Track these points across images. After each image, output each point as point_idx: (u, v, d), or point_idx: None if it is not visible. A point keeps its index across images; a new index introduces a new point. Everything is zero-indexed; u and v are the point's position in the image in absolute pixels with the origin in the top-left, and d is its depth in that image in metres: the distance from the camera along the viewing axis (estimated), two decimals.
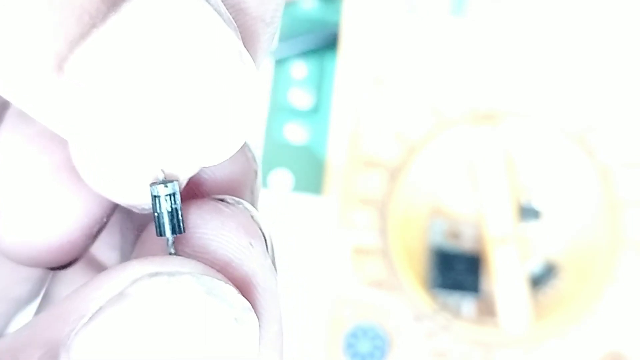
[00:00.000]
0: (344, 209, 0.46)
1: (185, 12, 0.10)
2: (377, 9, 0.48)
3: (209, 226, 0.12)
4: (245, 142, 0.13)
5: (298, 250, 0.47)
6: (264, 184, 0.47)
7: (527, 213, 0.48)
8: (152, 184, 0.12)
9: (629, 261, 0.46)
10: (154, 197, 0.12)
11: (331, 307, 0.45)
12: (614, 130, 0.47)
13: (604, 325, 0.45)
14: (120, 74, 0.10)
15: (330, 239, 0.46)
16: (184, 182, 0.12)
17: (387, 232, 0.46)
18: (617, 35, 0.48)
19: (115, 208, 0.14)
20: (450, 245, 0.48)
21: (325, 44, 0.49)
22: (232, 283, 0.11)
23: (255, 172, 0.15)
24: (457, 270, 0.47)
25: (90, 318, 0.10)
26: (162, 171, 0.11)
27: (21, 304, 0.17)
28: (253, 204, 0.14)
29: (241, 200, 0.13)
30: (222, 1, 0.11)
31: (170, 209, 0.12)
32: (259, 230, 0.13)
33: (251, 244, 0.12)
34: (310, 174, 0.48)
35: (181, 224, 0.12)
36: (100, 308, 0.10)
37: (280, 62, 0.49)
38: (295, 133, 0.49)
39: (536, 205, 0.48)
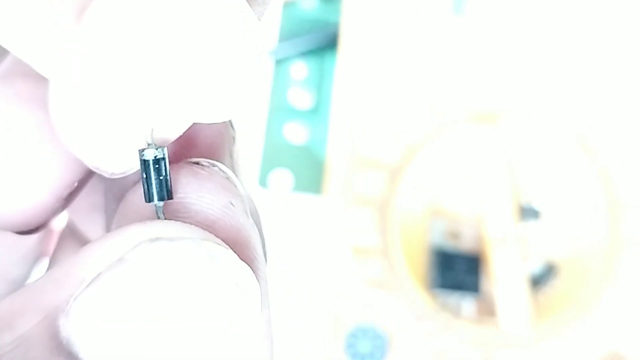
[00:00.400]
0: (344, 209, 0.46)
1: None
2: (377, 9, 0.48)
3: (188, 189, 0.12)
4: None
5: (298, 250, 0.47)
6: (264, 184, 0.47)
7: (527, 213, 0.48)
8: (142, 149, 0.11)
9: (629, 261, 0.46)
10: (144, 162, 0.11)
11: (331, 307, 0.45)
12: (614, 130, 0.47)
13: (604, 325, 0.45)
14: (135, 23, 0.10)
15: (330, 239, 0.46)
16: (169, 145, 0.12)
17: (387, 232, 0.46)
18: (617, 35, 0.48)
19: (88, 174, 0.13)
20: (450, 245, 0.48)
21: (325, 44, 0.49)
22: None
23: (234, 138, 0.14)
24: (457, 270, 0.47)
25: (89, 283, 0.10)
26: (152, 136, 0.11)
27: (18, 285, 0.17)
28: (233, 169, 0.13)
29: (215, 163, 0.13)
30: None
31: (159, 175, 0.11)
32: (237, 190, 0.13)
33: (232, 203, 0.12)
34: (310, 174, 0.48)
35: (170, 190, 0.12)
36: (100, 273, 0.10)
37: (280, 62, 0.49)
38: (295, 133, 0.48)
39: (536, 205, 0.48)
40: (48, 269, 0.16)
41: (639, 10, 0.48)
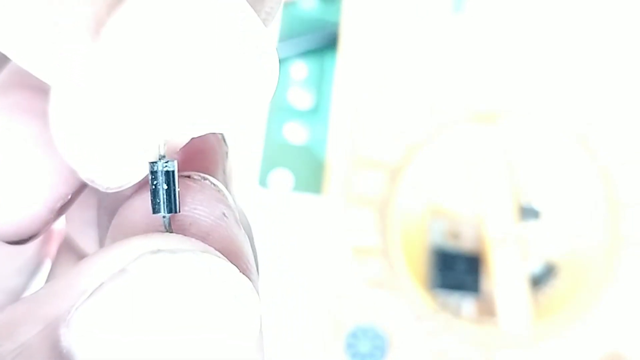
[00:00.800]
0: (344, 209, 0.46)
1: None
2: (377, 9, 0.48)
3: (182, 201, 0.12)
4: None
5: (298, 250, 0.47)
6: (264, 184, 0.47)
7: (527, 213, 0.48)
8: (153, 161, 0.12)
9: (629, 261, 0.46)
10: (153, 173, 0.12)
11: (331, 307, 0.45)
12: (614, 130, 0.47)
13: (604, 325, 0.45)
14: (152, 38, 0.10)
15: (330, 239, 0.46)
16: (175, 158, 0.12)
17: (387, 232, 0.46)
18: (617, 35, 0.48)
19: (81, 187, 0.13)
20: (450, 245, 0.48)
21: (325, 44, 0.49)
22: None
23: (226, 154, 0.15)
24: (457, 270, 0.47)
25: (91, 294, 0.10)
26: (163, 148, 0.12)
27: (16, 296, 0.17)
28: (225, 184, 0.14)
29: (206, 176, 0.13)
30: None
31: (168, 187, 0.12)
32: (229, 203, 0.13)
33: (224, 214, 0.12)
34: (310, 174, 0.48)
35: (177, 203, 0.12)
36: (102, 284, 0.10)
37: (280, 62, 0.49)
38: (295, 133, 0.48)
39: (536, 205, 0.48)
40: (47, 281, 0.16)
41: (639, 10, 0.48)
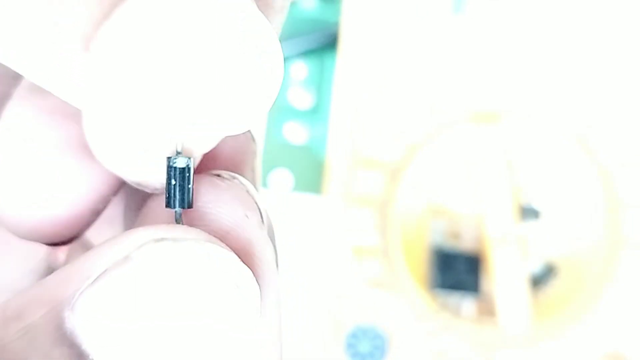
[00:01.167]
0: (344, 209, 0.46)
1: None
2: (377, 9, 0.48)
3: (206, 199, 0.12)
4: None
5: (298, 250, 0.47)
6: (264, 184, 0.47)
7: (527, 213, 0.48)
8: (169, 157, 0.12)
9: (629, 261, 0.46)
10: (169, 168, 0.12)
11: (331, 307, 0.45)
12: (614, 130, 0.47)
13: (604, 325, 0.45)
14: (141, 49, 0.10)
15: (330, 239, 0.46)
16: (199, 157, 0.13)
17: (387, 232, 0.46)
18: (617, 35, 0.48)
19: (120, 186, 0.14)
20: (450, 245, 0.48)
21: (325, 44, 0.49)
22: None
23: (255, 152, 0.15)
24: (457, 270, 0.47)
25: (95, 279, 0.11)
26: (180, 145, 0.12)
27: None
28: (253, 183, 0.14)
29: (236, 175, 0.13)
30: None
31: (182, 183, 0.12)
32: (255, 204, 0.13)
33: (247, 216, 0.13)
34: (310, 173, 0.48)
35: (191, 199, 0.12)
36: (106, 270, 0.11)
37: None
38: (295, 133, 0.48)
39: (536, 205, 0.48)
40: None
41: (639, 10, 0.48)
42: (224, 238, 0.12)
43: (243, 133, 0.14)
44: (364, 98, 0.47)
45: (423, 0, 0.48)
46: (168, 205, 0.12)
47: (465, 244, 0.48)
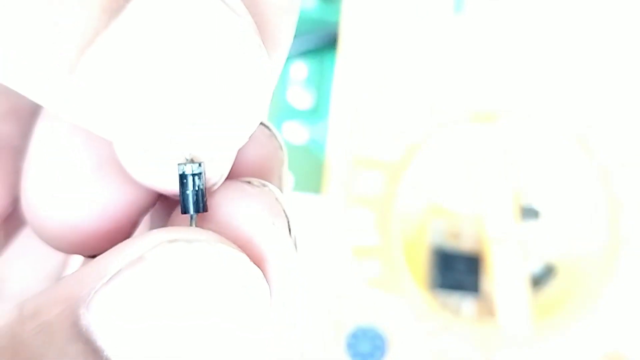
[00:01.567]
0: (344, 209, 0.46)
1: (182, 5, 0.10)
2: (377, 9, 0.48)
3: (233, 204, 0.13)
4: (273, 132, 0.15)
5: (298, 250, 0.47)
6: None
7: (527, 213, 0.48)
8: (179, 164, 0.12)
9: (629, 261, 0.46)
10: (181, 176, 0.12)
11: (331, 307, 0.45)
12: (614, 130, 0.47)
13: (604, 325, 0.45)
14: (125, 73, 0.11)
15: (330, 239, 0.46)
16: (223, 165, 0.13)
17: (387, 232, 0.46)
18: (617, 35, 0.48)
19: (157, 198, 0.14)
20: (450, 245, 0.48)
21: (325, 44, 0.49)
22: (253, 258, 0.12)
23: (282, 160, 0.15)
24: (457, 270, 0.47)
25: (110, 278, 0.11)
26: (189, 152, 0.12)
27: None
28: (280, 190, 0.14)
29: (266, 183, 0.14)
30: None
31: (195, 188, 0.12)
32: (283, 212, 0.13)
33: (274, 223, 0.13)
34: (310, 173, 0.48)
35: (205, 203, 0.12)
36: (120, 269, 0.11)
37: None
38: (295, 133, 0.48)
39: (536, 205, 0.48)
40: None
41: (639, 10, 0.48)
42: (249, 244, 0.12)
43: (270, 141, 0.15)
44: (364, 98, 0.47)
45: (423, 0, 0.48)
46: (184, 211, 0.12)
47: (465, 244, 0.48)
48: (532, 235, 0.48)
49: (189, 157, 0.12)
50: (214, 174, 0.13)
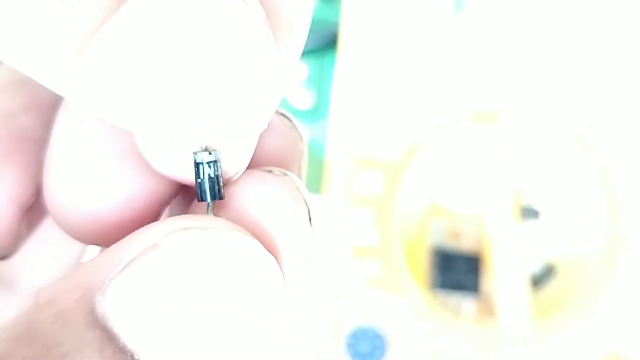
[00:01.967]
0: (344, 209, 0.46)
1: None
2: (377, 9, 0.48)
3: (254, 192, 0.13)
4: (293, 123, 0.15)
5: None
6: None
7: (527, 213, 0.48)
8: (195, 152, 0.12)
9: (629, 261, 0.46)
10: (197, 164, 0.12)
11: (331, 307, 0.45)
12: (614, 130, 0.47)
13: (604, 325, 0.45)
14: (133, 57, 0.11)
15: (330, 239, 0.46)
16: (243, 157, 0.13)
17: (387, 232, 0.46)
18: (617, 35, 0.48)
19: (180, 187, 0.14)
20: (450, 245, 0.48)
21: (325, 44, 0.49)
22: (272, 246, 0.12)
23: (302, 151, 0.15)
24: (457, 270, 0.47)
25: (124, 266, 0.11)
26: (205, 141, 0.12)
27: None
28: (300, 179, 0.14)
29: (287, 172, 0.14)
30: None
31: (211, 176, 0.12)
32: (304, 201, 0.13)
33: (294, 212, 0.13)
34: (310, 173, 0.48)
35: (221, 190, 0.13)
36: (135, 257, 0.11)
37: None
38: None
39: (536, 205, 0.48)
40: None
41: (639, 10, 0.48)
42: (269, 231, 0.12)
43: (291, 132, 0.15)
44: (364, 98, 0.47)
45: (423, 0, 0.48)
46: (200, 198, 0.12)
47: (465, 244, 0.48)
48: (532, 235, 0.48)
49: (204, 145, 0.12)
50: (234, 163, 0.13)
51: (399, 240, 0.46)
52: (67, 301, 0.11)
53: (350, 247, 0.46)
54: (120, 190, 0.13)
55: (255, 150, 0.13)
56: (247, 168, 0.13)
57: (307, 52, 0.49)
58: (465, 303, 0.47)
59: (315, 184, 0.47)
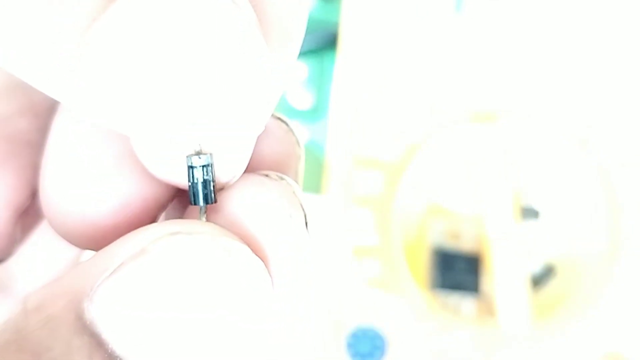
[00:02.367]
0: (344, 209, 0.46)
1: None
2: (377, 9, 0.48)
3: (251, 196, 0.13)
4: (290, 127, 0.15)
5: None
6: None
7: (527, 213, 0.48)
8: (188, 155, 0.12)
9: (628, 261, 0.46)
10: (189, 168, 0.12)
11: (331, 307, 0.45)
12: (614, 130, 0.47)
13: (604, 325, 0.45)
14: (125, 56, 0.11)
15: (330, 239, 0.46)
16: (240, 161, 0.13)
17: (387, 232, 0.46)
18: (617, 35, 0.48)
19: (177, 191, 0.14)
20: (450, 245, 0.48)
21: (325, 44, 0.49)
22: (268, 250, 0.12)
23: (299, 156, 0.15)
24: (457, 270, 0.47)
25: (112, 272, 0.11)
26: (198, 144, 0.12)
27: None
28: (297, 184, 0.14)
29: (284, 176, 0.14)
30: None
31: (203, 180, 0.12)
32: (300, 206, 0.13)
33: (291, 216, 0.13)
34: (310, 173, 0.48)
35: (213, 194, 0.12)
36: (122, 263, 0.11)
37: None
38: None
39: (536, 205, 0.48)
40: None
41: (639, 10, 0.48)
42: (265, 235, 0.12)
43: (288, 136, 0.15)
44: (364, 98, 0.47)
45: (423, 0, 0.48)
46: (193, 202, 0.12)
47: (465, 244, 0.48)
48: (532, 235, 0.48)
49: (197, 149, 0.12)
50: (230, 167, 0.13)
51: (399, 240, 0.46)
52: (55, 307, 0.11)
53: (350, 247, 0.46)
54: (116, 194, 0.13)
55: (252, 154, 0.13)
56: (244, 172, 0.13)
57: (307, 52, 0.49)
58: (465, 303, 0.47)
59: (315, 184, 0.47)
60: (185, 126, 0.11)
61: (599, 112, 0.47)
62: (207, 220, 0.13)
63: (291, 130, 0.15)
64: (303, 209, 0.13)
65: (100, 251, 0.12)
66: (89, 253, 0.15)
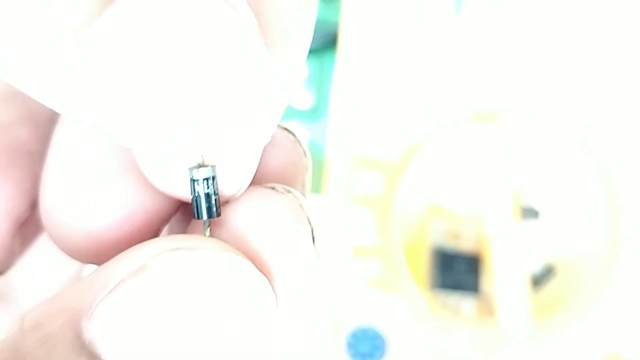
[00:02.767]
0: (344, 209, 0.46)
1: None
2: (377, 9, 0.48)
3: (257, 210, 0.12)
4: (297, 138, 0.15)
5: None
6: None
7: (527, 213, 0.48)
8: (190, 168, 0.12)
9: (629, 261, 0.46)
10: (192, 181, 0.12)
11: (331, 307, 0.45)
12: (614, 130, 0.47)
13: (604, 325, 0.45)
14: (121, 63, 0.10)
15: (330, 239, 0.46)
16: (245, 173, 0.12)
17: (387, 232, 0.46)
18: (617, 35, 0.48)
19: (180, 204, 0.14)
20: (450, 245, 0.48)
21: (325, 43, 0.49)
22: (275, 264, 0.12)
23: (306, 167, 0.15)
24: (457, 270, 0.47)
25: (112, 289, 0.11)
26: (201, 157, 0.12)
27: None
28: (304, 196, 0.14)
29: (291, 189, 0.13)
30: None
31: (206, 193, 0.12)
32: (307, 219, 0.13)
33: (297, 230, 0.13)
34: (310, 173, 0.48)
35: (216, 208, 0.12)
36: (122, 280, 0.11)
37: None
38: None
39: (536, 205, 0.48)
40: None
41: (639, 10, 0.48)
42: (271, 249, 0.12)
43: (294, 147, 0.15)
44: (364, 98, 0.47)
45: (423, 0, 0.48)
46: (196, 216, 0.12)
47: (465, 244, 0.48)
48: (532, 235, 0.48)
49: (200, 162, 0.12)
50: (236, 180, 0.12)
51: (399, 240, 0.46)
52: (53, 325, 0.11)
53: (350, 247, 0.46)
54: (118, 207, 0.13)
55: (258, 166, 0.13)
56: (250, 184, 0.13)
57: (307, 52, 0.49)
58: (465, 303, 0.47)
59: (315, 184, 0.47)
60: (185, 126, 0.11)
61: (599, 112, 0.47)
62: (211, 234, 0.12)
63: (298, 141, 0.15)
64: (310, 223, 0.13)
65: (100, 267, 0.11)
66: (91, 266, 0.14)
